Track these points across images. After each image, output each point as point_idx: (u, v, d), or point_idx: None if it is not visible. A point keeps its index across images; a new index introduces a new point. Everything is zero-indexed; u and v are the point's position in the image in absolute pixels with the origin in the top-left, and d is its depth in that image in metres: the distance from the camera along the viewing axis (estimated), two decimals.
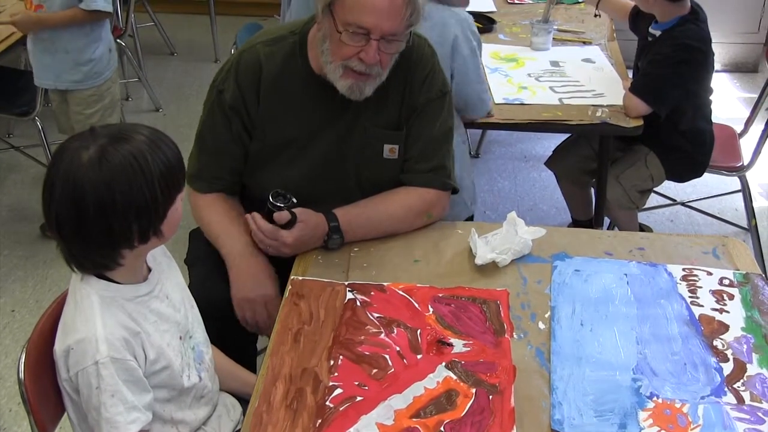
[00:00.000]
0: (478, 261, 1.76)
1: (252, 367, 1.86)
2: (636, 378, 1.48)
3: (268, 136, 1.88)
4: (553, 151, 3.17)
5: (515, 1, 3.61)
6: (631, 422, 1.39)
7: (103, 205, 1.27)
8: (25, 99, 3.32)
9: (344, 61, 1.73)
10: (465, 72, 2.36)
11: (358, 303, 1.66)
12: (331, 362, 1.51)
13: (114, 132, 1.32)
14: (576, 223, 3.25)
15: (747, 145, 3.18)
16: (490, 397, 1.43)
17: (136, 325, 1.37)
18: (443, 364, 1.51)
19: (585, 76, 2.86)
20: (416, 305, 1.66)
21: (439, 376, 1.48)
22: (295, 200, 1.76)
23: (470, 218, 2.39)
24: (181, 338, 1.48)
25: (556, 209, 3.59)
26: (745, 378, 1.49)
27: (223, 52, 5.06)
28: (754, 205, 3.23)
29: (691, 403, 1.43)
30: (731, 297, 1.69)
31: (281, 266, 1.81)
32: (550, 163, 3.19)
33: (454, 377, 1.48)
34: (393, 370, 1.49)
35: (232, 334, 1.82)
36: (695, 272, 1.77)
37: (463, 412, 1.40)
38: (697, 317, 1.64)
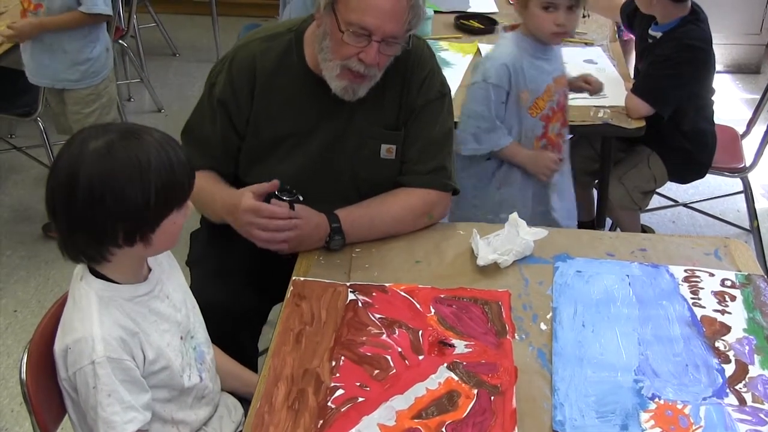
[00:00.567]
0: (480, 262, 1.76)
1: (253, 368, 1.86)
2: (638, 379, 1.48)
3: (262, 133, 1.88)
4: None
5: None
6: (633, 423, 1.39)
7: (93, 198, 1.27)
8: (26, 99, 3.32)
9: (343, 61, 1.73)
10: None
11: (360, 304, 1.66)
12: (333, 363, 1.51)
13: (126, 129, 1.32)
14: (578, 224, 3.25)
15: (749, 146, 3.18)
16: (492, 398, 1.43)
17: (134, 325, 1.37)
18: (445, 365, 1.51)
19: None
20: (418, 306, 1.66)
21: (440, 377, 1.48)
22: (301, 198, 1.75)
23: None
24: (181, 338, 1.48)
25: None
26: (746, 379, 1.49)
27: (224, 52, 5.05)
28: (756, 206, 3.22)
29: (693, 405, 1.43)
30: (733, 298, 1.69)
31: (283, 267, 1.80)
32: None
33: (456, 378, 1.47)
34: (394, 371, 1.49)
35: (234, 335, 1.81)
36: (697, 273, 1.77)
37: (465, 413, 1.40)
38: (698, 318, 1.64)
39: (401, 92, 1.88)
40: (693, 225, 3.55)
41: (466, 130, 2.29)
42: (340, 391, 1.44)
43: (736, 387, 1.47)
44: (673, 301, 1.68)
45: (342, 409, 1.40)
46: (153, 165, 1.29)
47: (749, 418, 1.40)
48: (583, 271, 1.77)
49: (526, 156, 2.30)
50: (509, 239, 1.81)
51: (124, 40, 4.22)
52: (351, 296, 1.68)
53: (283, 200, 1.74)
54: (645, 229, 3.16)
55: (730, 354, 1.55)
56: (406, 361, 1.52)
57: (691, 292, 1.71)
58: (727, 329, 1.61)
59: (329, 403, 1.41)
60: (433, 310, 1.65)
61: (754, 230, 3.22)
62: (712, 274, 1.76)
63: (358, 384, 1.46)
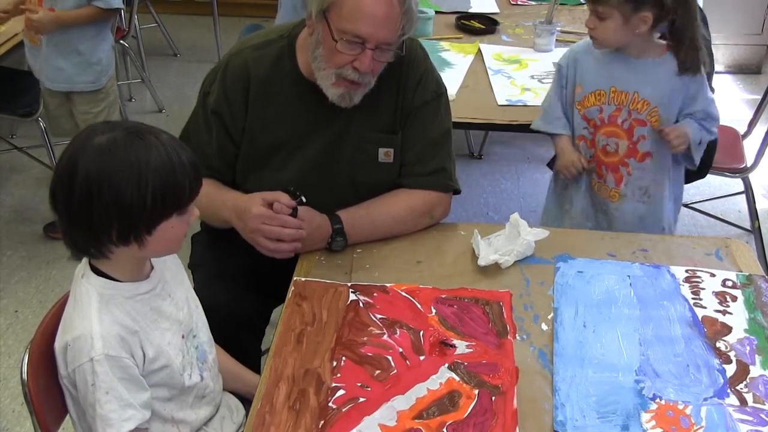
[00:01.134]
0: (481, 262, 1.76)
1: (257, 370, 1.86)
2: (639, 380, 1.48)
3: (258, 141, 1.87)
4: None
5: (518, 2, 3.61)
6: (634, 424, 1.39)
7: (90, 192, 1.27)
8: (27, 100, 3.32)
9: (338, 69, 1.72)
10: None
11: (361, 304, 1.66)
12: (334, 363, 1.51)
13: (133, 128, 1.33)
14: None
15: (750, 146, 3.17)
16: (493, 398, 1.43)
17: (134, 324, 1.37)
18: (446, 365, 1.51)
19: None
20: (419, 306, 1.66)
21: (441, 378, 1.48)
22: (304, 199, 1.75)
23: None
24: (183, 337, 1.48)
25: None
26: (747, 380, 1.49)
27: (225, 53, 5.06)
28: (758, 206, 3.22)
29: (694, 405, 1.43)
30: (734, 298, 1.69)
31: (284, 267, 1.80)
32: (553, 164, 3.18)
33: (457, 378, 1.47)
34: (396, 371, 1.49)
35: (236, 338, 1.81)
36: (698, 274, 1.77)
37: (466, 414, 1.40)
38: (699, 319, 1.64)
39: (397, 95, 1.87)
40: (694, 225, 3.55)
41: (542, 104, 2.37)
42: (341, 392, 1.44)
43: (737, 387, 1.47)
44: (674, 301, 1.68)
45: (343, 410, 1.40)
46: (152, 166, 1.29)
47: (750, 418, 1.40)
48: (585, 272, 1.77)
49: (560, 148, 2.30)
50: (510, 239, 1.81)
51: (125, 40, 4.22)
52: (352, 296, 1.68)
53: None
54: None
55: (731, 354, 1.55)
56: (407, 362, 1.52)
57: (692, 293, 1.71)
58: (728, 330, 1.61)
59: (330, 404, 1.42)
60: (434, 311, 1.65)
61: (755, 230, 3.21)
62: (713, 275, 1.76)
63: (359, 384, 1.46)
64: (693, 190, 3.64)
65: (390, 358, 1.52)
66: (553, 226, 2.22)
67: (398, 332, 1.58)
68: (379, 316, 1.62)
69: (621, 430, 1.38)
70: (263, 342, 2.03)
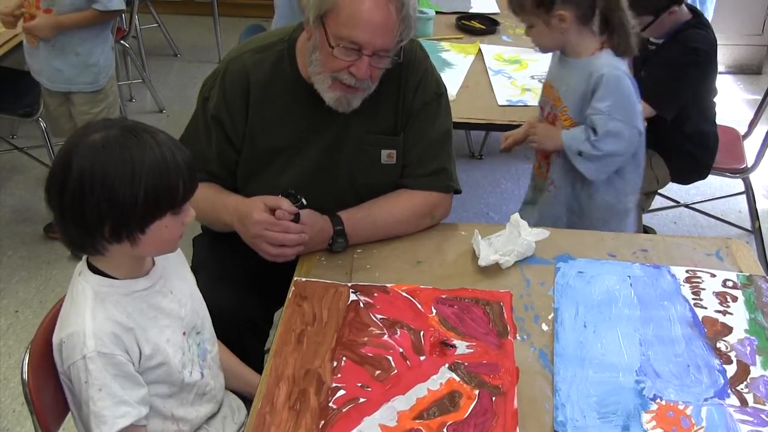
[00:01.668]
0: (482, 262, 1.76)
1: (260, 370, 1.86)
2: (639, 380, 1.48)
3: (258, 145, 1.87)
4: None
5: None
6: (634, 424, 1.39)
7: (82, 188, 1.27)
8: (28, 100, 3.32)
9: (333, 73, 1.72)
10: None
11: (362, 304, 1.66)
12: (334, 363, 1.51)
13: (129, 127, 1.33)
14: None
15: (751, 147, 3.18)
16: (493, 398, 1.43)
17: (129, 321, 1.37)
18: (446, 365, 1.51)
19: None
20: (419, 307, 1.66)
21: (442, 378, 1.48)
22: (305, 202, 1.75)
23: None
24: (185, 334, 1.48)
25: None
26: (748, 380, 1.49)
27: (226, 53, 5.06)
28: (758, 207, 3.22)
29: (695, 405, 1.43)
30: (734, 299, 1.69)
31: (286, 270, 1.80)
32: None
33: (457, 379, 1.47)
34: (396, 371, 1.49)
35: (239, 340, 1.81)
36: (698, 274, 1.77)
37: (466, 414, 1.40)
38: (700, 319, 1.64)
39: (397, 97, 1.87)
40: (694, 226, 3.55)
41: None
42: (341, 392, 1.44)
43: (738, 388, 1.47)
44: (674, 301, 1.68)
45: (343, 410, 1.40)
46: (146, 164, 1.28)
47: (751, 419, 1.40)
48: (585, 272, 1.77)
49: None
50: (511, 240, 1.81)
51: (125, 41, 4.23)
52: (352, 297, 1.68)
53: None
54: (647, 230, 3.17)
55: (732, 355, 1.55)
56: (408, 362, 1.52)
57: (693, 293, 1.71)
58: (728, 330, 1.61)
59: (331, 404, 1.42)
60: (434, 311, 1.65)
61: (756, 231, 3.22)
62: (713, 275, 1.76)
63: (359, 384, 1.46)
64: (693, 191, 3.65)
65: (390, 358, 1.52)
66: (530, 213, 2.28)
67: (399, 332, 1.58)
68: (379, 317, 1.62)
69: (621, 430, 1.38)
70: (265, 343, 2.03)
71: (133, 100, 4.70)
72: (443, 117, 1.93)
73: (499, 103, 2.65)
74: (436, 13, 3.31)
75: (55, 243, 3.20)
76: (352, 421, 1.38)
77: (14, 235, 3.40)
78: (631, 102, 2.08)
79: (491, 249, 1.79)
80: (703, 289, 1.72)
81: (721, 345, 1.57)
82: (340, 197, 1.88)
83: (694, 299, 1.69)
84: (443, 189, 1.93)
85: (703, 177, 2.97)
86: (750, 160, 3.10)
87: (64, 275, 3.10)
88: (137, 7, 4.17)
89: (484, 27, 3.28)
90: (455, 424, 1.38)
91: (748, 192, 3.17)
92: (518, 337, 1.59)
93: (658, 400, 1.44)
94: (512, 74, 2.87)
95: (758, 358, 1.54)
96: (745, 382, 1.48)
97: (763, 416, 1.41)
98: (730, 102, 4.48)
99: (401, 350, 1.54)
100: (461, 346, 1.55)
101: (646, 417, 1.40)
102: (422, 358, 1.53)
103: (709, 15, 3.33)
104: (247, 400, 1.66)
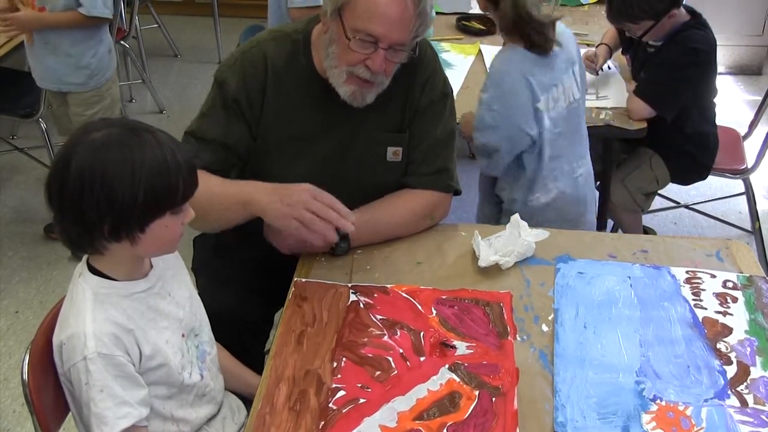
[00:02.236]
0: (482, 263, 1.76)
1: (260, 371, 1.85)
2: (639, 381, 1.48)
3: (269, 135, 1.86)
4: None
5: None
6: (635, 425, 1.39)
7: (81, 187, 1.27)
8: (28, 100, 3.33)
9: (349, 67, 1.72)
10: None
11: (362, 305, 1.66)
12: (334, 364, 1.51)
13: (130, 126, 1.33)
14: None
15: (751, 147, 3.18)
16: (493, 399, 1.43)
17: (129, 322, 1.37)
18: (446, 366, 1.51)
19: (588, 78, 2.85)
20: (419, 307, 1.66)
21: (442, 379, 1.48)
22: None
23: None
24: (183, 335, 1.48)
25: None
26: (748, 381, 1.49)
27: (226, 53, 5.05)
28: (758, 207, 3.22)
29: (695, 406, 1.43)
30: (735, 300, 1.69)
31: (284, 268, 1.80)
32: None
33: (457, 379, 1.47)
34: (396, 372, 1.49)
35: (240, 342, 1.81)
36: (699, 275, 1.77)
37: (466, 415, 1.40)
38: (700, 320, 1.64)
39: (405, 94, 1.87)
40: (695, 226, 3.55)
41: None
42: (341, 392, 1.44)
43: (738, 388, 1.47)
44: (674, 302, 1.68)
45: (343, 410, 1.40)
46: (146, 163, 1.28)
47: (751, 419, 1.40)
48: (585, 273, 1.77)
49: None
50: (511, 240, 1.81)
51: (125, 41, 4.23)
52: (352, 297, 1.68)
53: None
54: (647, 231, 3.16)
55: (732, 355, 1.55)
56: (408, 363, 1.52)
57: (693, 294, 1.71)
58: (728, 331, 1.61)
59: (330, 404, 1.42)
60: (434, 312, 1.65)
61: (756, 232, 3.21)
62: (713, 276, 1.76)
63: (359, 385, 1.46)
64: (694, 191, 3.65)
65: (390, 359, 1.52)
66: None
67: (399, 333, 1.58)
68: (379, 317, 1.62)
69: (621, 431, 1.38)
70: (265, 343, 2.04)
71: (133, 100, 4.70)
72: (448, 117, 1.94)
73: None
74: (437, 13, 3.31)
75: (56, 243, 3.20)
76: (352, 422, 1.38)
77: (14, 235, 3.40)
78: (516, 100, 2.15)
79: (491, 250, 1.79)
80: (704, 289, 1.72)
81: (721, 346, 1.57)
82: (348, 195, 1.88)
83: (694, 300, 1.69)
84: (444, 189, 1.93)
85: (703, 177, 2.97)
86: (750, 161, 3.10)
87: (64, 276, 3.10)
88: (137, 8, 4.17)
89: (484, 27, 3.28)
90: (455, 424, 1.38)
91: (749, 193, 3.17)
92: (518, 338, 1.59)
93: (658, 401, 1.44)
94: None
95: (758, 359, 1.54)
96: (745, 383, 1.48)
97: (763, 417, 1.41)
98: (730, 102, 4.48)
99: (401, 351, 1.54)
100: (461, 347, 1.55)
101: (646, 418, 1.40)
102: (422, 358, 1.53)
103: None
104: (247, 401, 1.66)
